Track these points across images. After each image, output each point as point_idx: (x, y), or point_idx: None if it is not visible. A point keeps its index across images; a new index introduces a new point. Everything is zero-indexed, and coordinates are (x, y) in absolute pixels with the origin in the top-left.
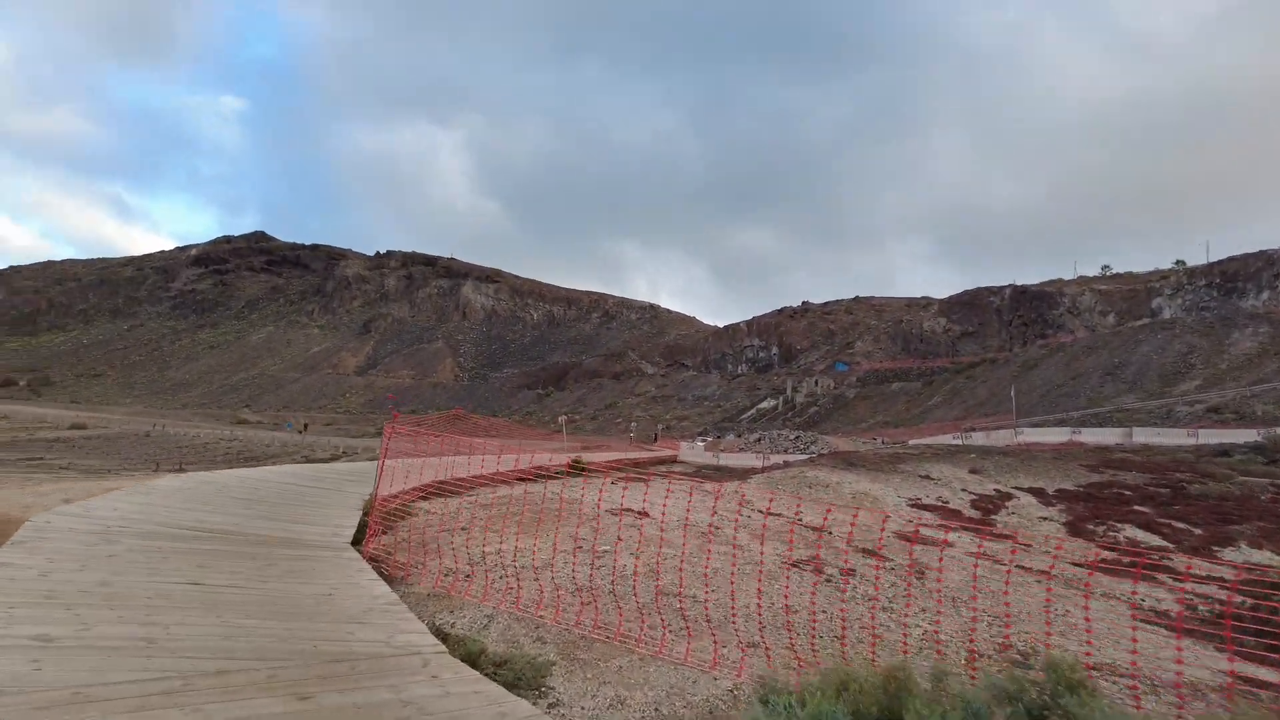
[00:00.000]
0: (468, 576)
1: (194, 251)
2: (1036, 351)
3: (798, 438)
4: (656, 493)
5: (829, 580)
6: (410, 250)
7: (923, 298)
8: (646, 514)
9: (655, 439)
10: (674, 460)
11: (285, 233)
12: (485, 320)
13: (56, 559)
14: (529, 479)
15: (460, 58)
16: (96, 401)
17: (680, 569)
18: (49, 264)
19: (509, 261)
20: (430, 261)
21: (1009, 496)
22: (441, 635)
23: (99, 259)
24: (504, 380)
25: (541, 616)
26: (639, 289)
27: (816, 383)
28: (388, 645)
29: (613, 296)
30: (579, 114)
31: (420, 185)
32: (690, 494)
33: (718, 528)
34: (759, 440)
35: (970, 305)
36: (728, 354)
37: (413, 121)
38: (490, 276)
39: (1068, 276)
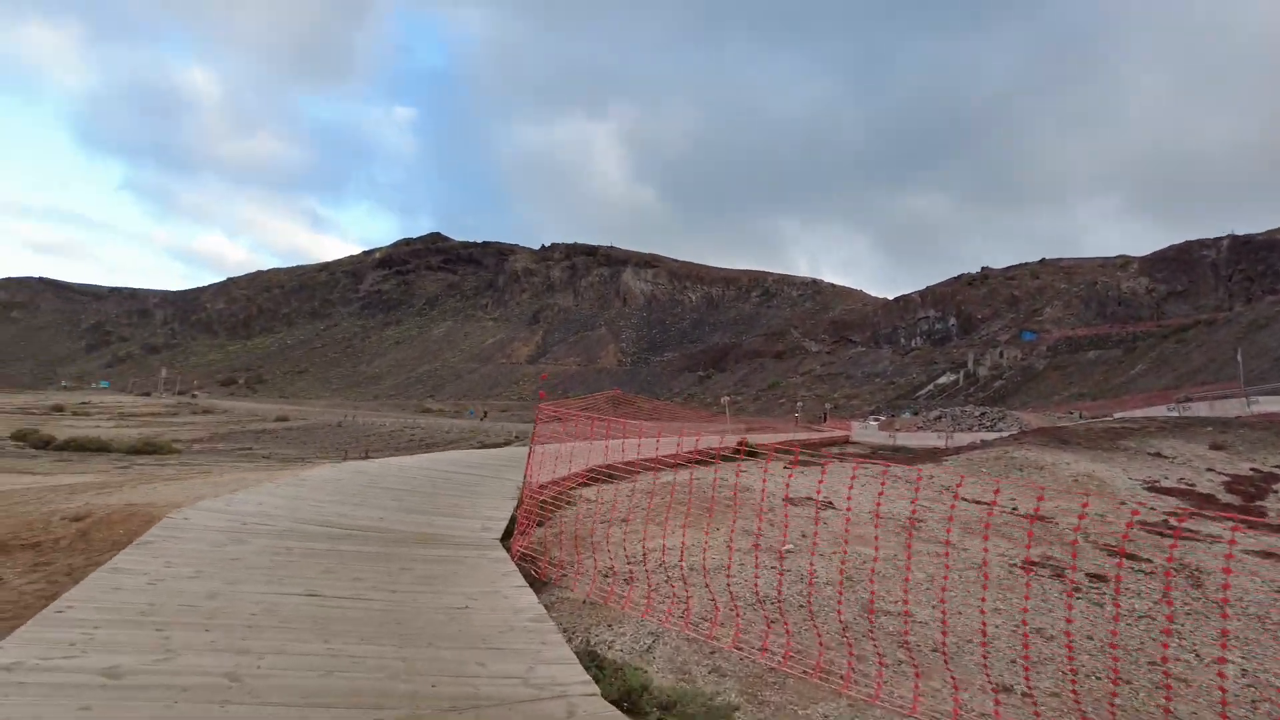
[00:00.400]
0: (628, 579)
1: (378, 255)
2: (1266, 309)
3: (983, 414)
4: (838, 478)
5: (1078, 590)
6: (573, 241)
7: (1119, 257)
8: (830, 504)
9: (824, 419)
10: (846, 441)
11: (458, 232)
12: (645, 305)
13: (175, 563)
14: (695, 462)
15: (609, 49)
16: (300, 395)
17: (882, 575)
18: (258, 274)
19: (666, 246)
20: (591, 251)
21: (1274, 478)
22: (596, 660)
23: (298, 266)
24: (665, 363)
25: (717, 639)
26: (799, 265)
27: (1001, 354)
28: (525, 683)
29: (772, 274)
30: (727, 92)
31: (579, 178)
32: (882, 480)
33: (920, 520)
34: (939, 418)
35: (1178, 261)
36: (899, 327)
37: (569, 116)
38: (649, 262)
39: None
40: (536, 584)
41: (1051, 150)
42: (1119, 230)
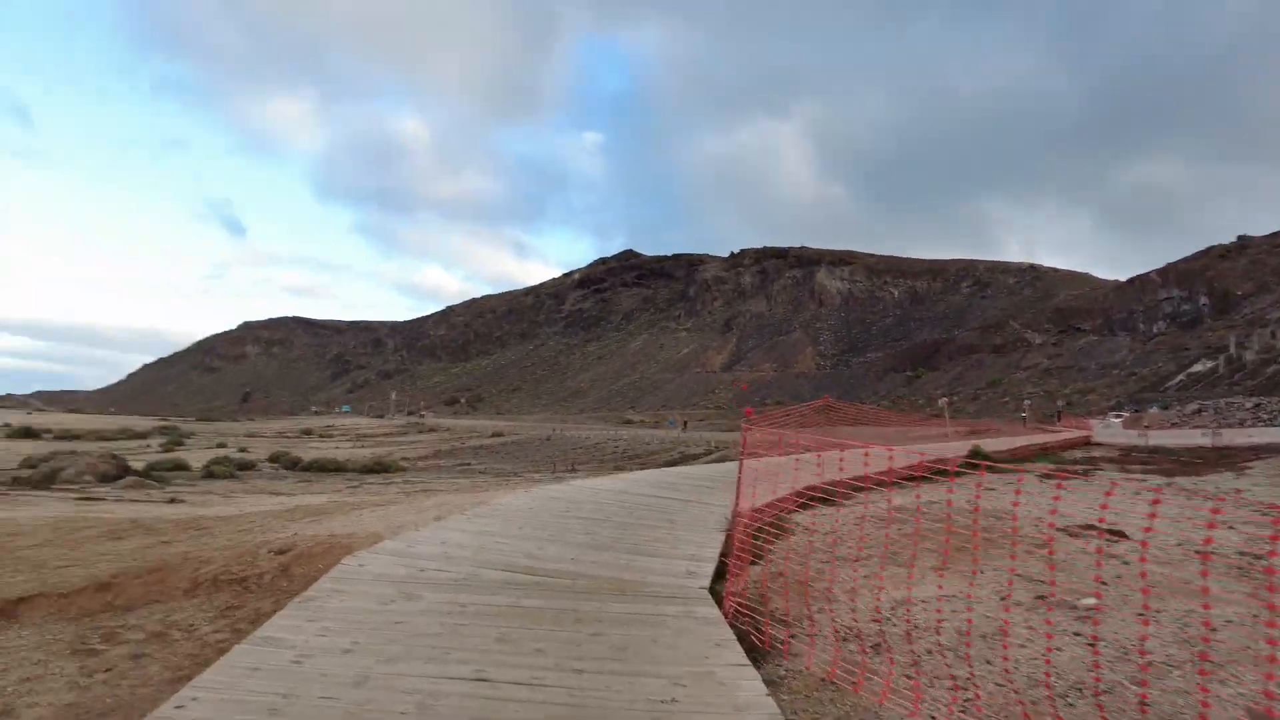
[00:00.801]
0: (876, 646)
1: (576, 276)
2: None
3: (1258, 405)
4: (1118, 498)
5: None
6: (762, 245)
7: None
8: (1121, 533)
9: (1057, 418)
10: (1087, 443)
11: (650, 247)
12: (842, 305)
13: (331, 629)
14: (921, 478)
15: (787, 46)
16: (513, 412)
17: (1246, 649)
18: (473, 301)
19: (861, 241)
20: (781, 254)
21: None
22: None
23: (507, 292)
24: (868, 365)
25: None
26: (1009, 250)
27: (1273, 334)
28: None
29: (983, 262)
30: (916, 75)
31: (765, 181)
32: (1155, 495)
33: (1256, 556)
34: (1198, 411)
35: None
36: (1136, 311)
37: (751, 120)
38: (843, 259)
39: None
40: (757, 652)
41: None
42: None
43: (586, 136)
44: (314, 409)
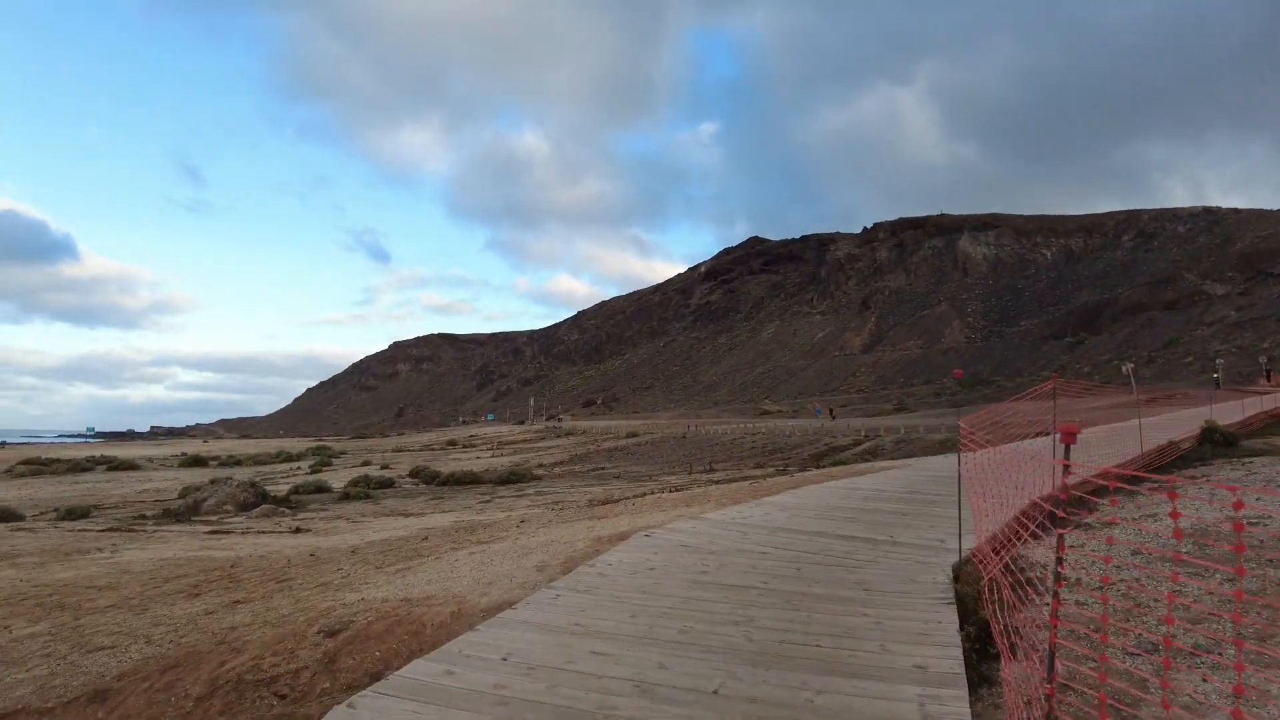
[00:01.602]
0: None
1: (702, 269)
2: None
3: None
4: None
5: None
6: (896, 218)
7: None
8: None
9: (1266, 377)
10: None
11: (775, 232)
12: (989, 272)
13: None
14: (1153, 469)
15: (901, 6)
16: (648, 410)
17: None
18: (602, 304)
19: (1005, 203)
20: (918, 224)
21: None
22: None
23: (634, 291)
24: (1022, 333)
25: None
26: (1176, 196)
27: None
28: None
29: (1147, 211)
30: (1049, 14)
31: (891, 149)
32: None
33: None
34: None
35: None
36: None
37: (870, 88)
38: (986, 223)
39: None
40: None
41: None
42: None
43: (702, 128)
44: (461, 419)
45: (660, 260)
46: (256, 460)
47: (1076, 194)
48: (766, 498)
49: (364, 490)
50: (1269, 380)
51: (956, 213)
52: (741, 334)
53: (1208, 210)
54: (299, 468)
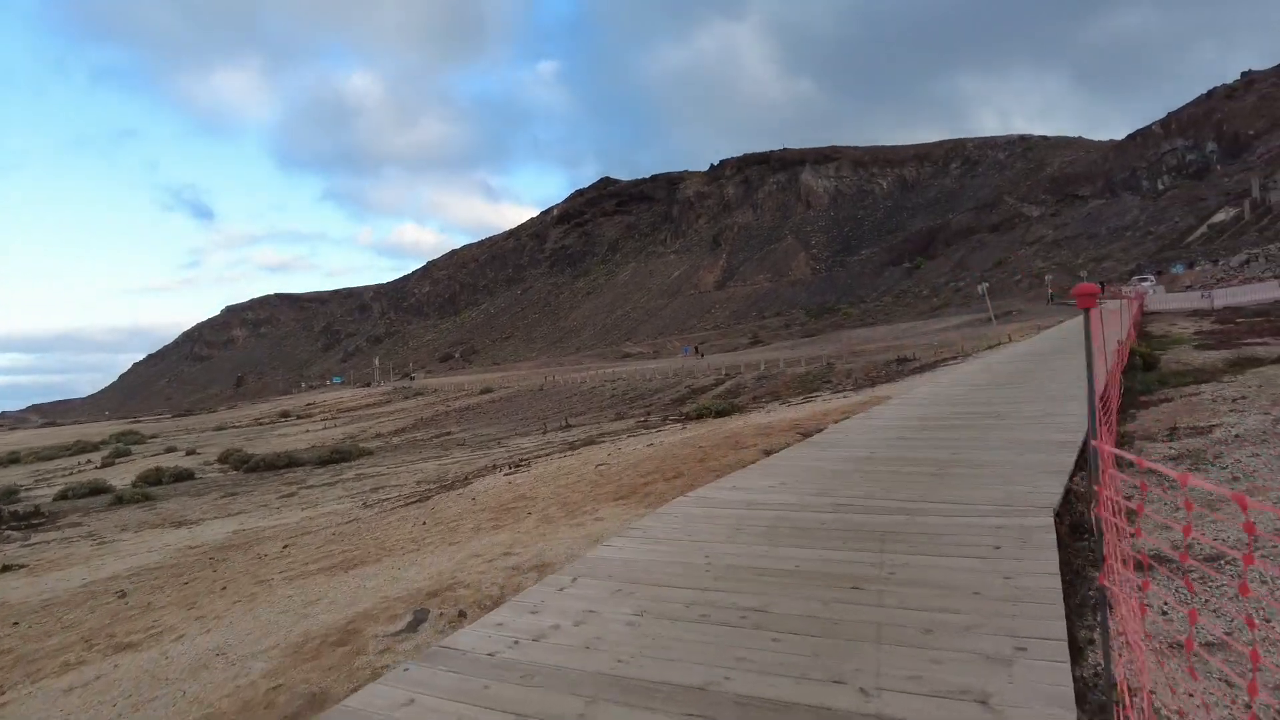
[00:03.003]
0: None
1: (555, 212)
2: None
3: None
4: None
5: None
6: (742, 154)
7: None
8: None
9: (1102, 289)
10: (1145, 313)
11: (625, 172)
12: (830, 204)
13: None
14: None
15: None
16: (510, 361)
17: None
18: (453, 253)
19: (844, 135)
20: (763, 159)
21: None
22: None
23: (486, 239)
24: (864, 261)
25: None
26: (988, 124)
27: None
28: None
29: (971, 140)
30: None
31: (733, 86)
32: None
33: None
34: (1247, 263)
35: None
36: (1139, 168)
37: (706, 24)
38: (827, 156)
39: None
40: None
41: None
42: None
43: (542, 67)
44: (305, 385)
45: (511, 204)
46: (42, 455)
47: (907, 125)
48: (666, 506)
49: (142, 492)
50: (1103, 291)
51: (799, 147)
52: (599, 276)
53: (1022, 138)
54: (90, 461)
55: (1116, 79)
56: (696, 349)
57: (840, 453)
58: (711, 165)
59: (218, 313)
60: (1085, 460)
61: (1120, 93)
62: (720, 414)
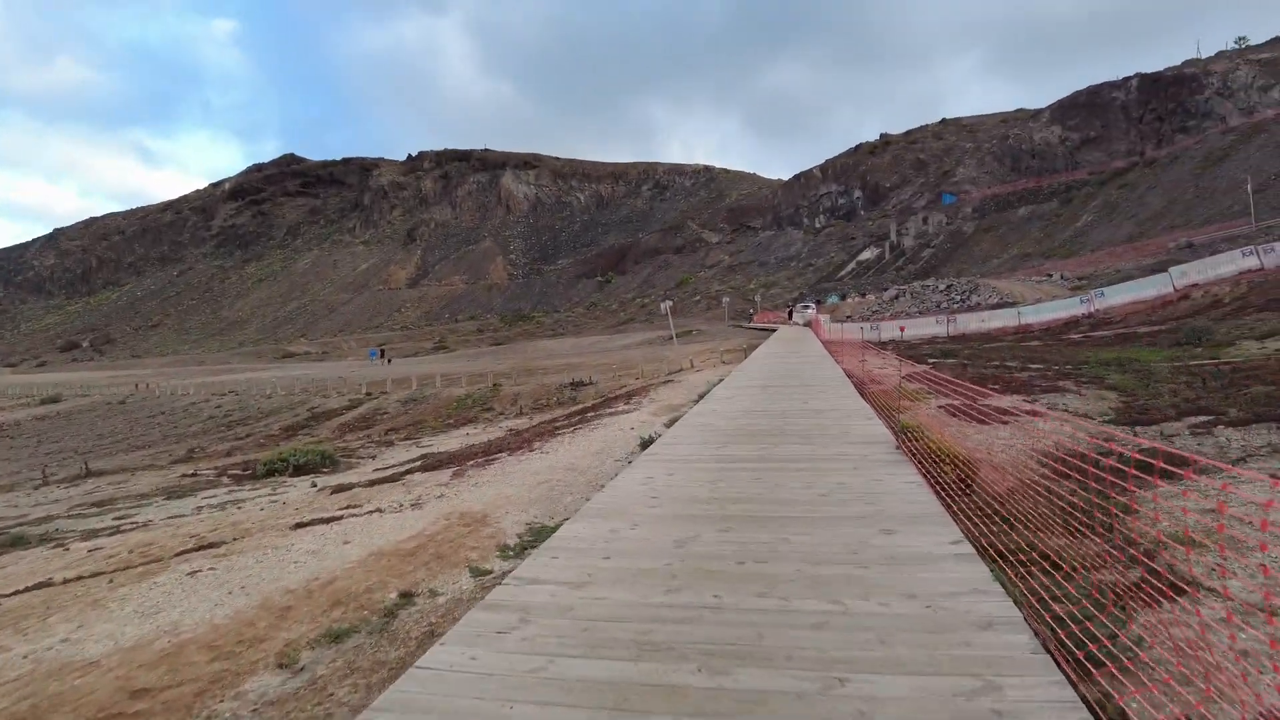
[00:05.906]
0: None
1: (227, 186)
2: (1217, 139)
3: (950, 287)
4: None
5: None
6: (442, 148)
7: (1017, 111)
8: None
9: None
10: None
11: (314, 151)
12: (530, 211)
13: None
14: None
15: None
16: (155, 352)
17: None
18: (91, 221)
19: (544, 144)
20: (464, 156)
21: None
22: None
23: (138, 209)
24: (559, 272)
25: None
26: (672, 153)
27: (924, 220)
28: None
29: (662, 165)
30: None
31: (433, 79)
32: None
33: None
34: (897, 297)
35: (1088, 106)
36: (801, 206)
37: (405, 12)
38: (529, 163)
39: (1204, 54)
40: None
41: (906, 7)
42: (984, 87)
43: (217, 24)
44: None
45: (176, 172)
46: None
47: (602, 143)
48: None
49: None
50: (789, 316)
51: (501, 149)
52: (274, 262)
53: (706, 168)
54: None
55: (779, 127)
56: (383, 353)
57: None
58: (410, 155)
59: None
60: None
61: (783, 139)
62: (300, 470)
